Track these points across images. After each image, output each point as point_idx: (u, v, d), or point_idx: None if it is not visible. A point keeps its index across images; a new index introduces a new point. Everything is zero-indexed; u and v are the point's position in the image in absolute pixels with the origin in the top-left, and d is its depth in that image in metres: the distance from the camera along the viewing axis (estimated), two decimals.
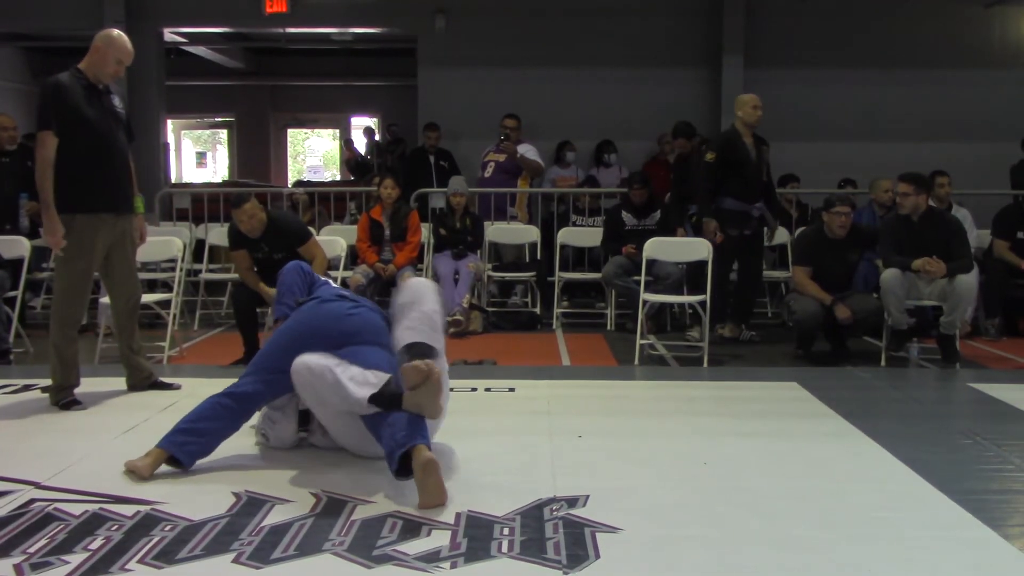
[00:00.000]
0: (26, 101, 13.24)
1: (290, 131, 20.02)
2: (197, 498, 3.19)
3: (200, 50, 14.31)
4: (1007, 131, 9.33)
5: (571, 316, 8.00)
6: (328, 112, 18.91)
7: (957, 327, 6.03)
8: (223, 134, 20.37)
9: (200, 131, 21.95)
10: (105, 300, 5.35)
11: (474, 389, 4.99)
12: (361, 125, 16.80)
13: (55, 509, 3.09)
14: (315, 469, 3.54)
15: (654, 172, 8.79)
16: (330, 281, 4.38)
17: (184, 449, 3.49)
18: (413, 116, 10.96)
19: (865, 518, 3.06)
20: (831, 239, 6.16)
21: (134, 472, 3.42)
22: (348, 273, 7.14)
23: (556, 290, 7.73)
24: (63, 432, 4.13)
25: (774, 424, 4.36)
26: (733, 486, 3.39)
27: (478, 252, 7.73)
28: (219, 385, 3.75)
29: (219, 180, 17.36)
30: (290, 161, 20.57)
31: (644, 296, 6.36)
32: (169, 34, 11.58)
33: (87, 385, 4.75)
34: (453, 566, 2.67)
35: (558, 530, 2.92)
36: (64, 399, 4.57)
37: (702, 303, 6.19)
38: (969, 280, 5.97)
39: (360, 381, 3.38)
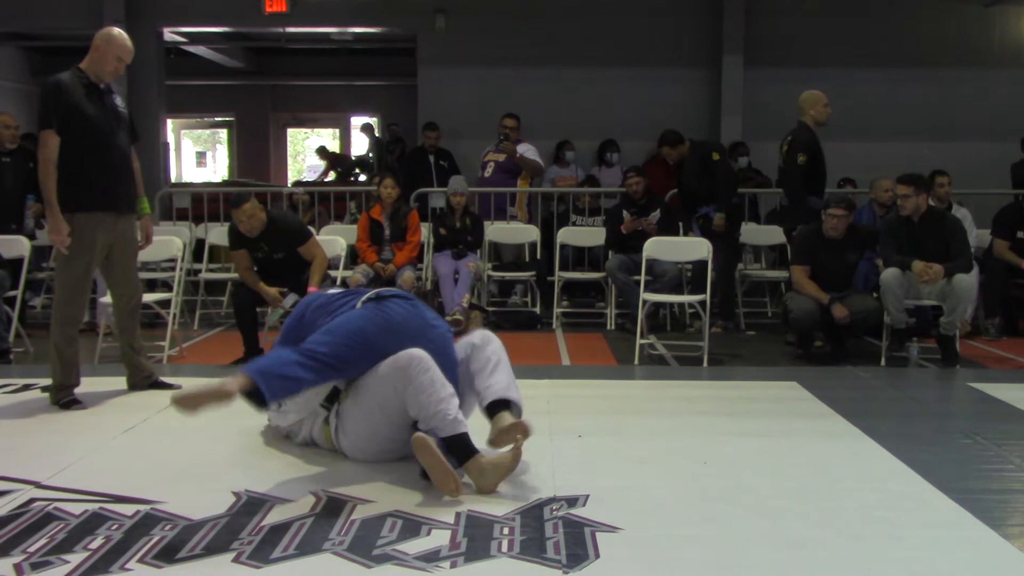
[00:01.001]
0: (26, 101, 13.24)
1: (290, 131, 20.02)
2: (197, 498, 3.19)
3: (200, 50, 14.30)
4: (1007, 131, 9.34)
5: (571, 316, 8.00)
6: (328, 112, 18.89)
7: (957, 328, 6.02)
8: (223, 134, 20.36)
9: (200, 131, 21.94)
10: (105, 300, 5.36)
11: None
12: (361, 125, 16.76)
13: (55, 508, 3.09)
14: (315, 469, 3.54)
15: (654, 172, 8.79)
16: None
17: (272, 386, 3.21)
18: (413, 116, 10.96)
19: (865, 518, 3.05)
20: (829, 238, 6.15)
21: (222, 391, 3.13)
22: (348, 273, 7.14)
23: (556, 290, 7.73)
24: (63, 432, 4.13)
25: (774, 424, 4.36)
26: (733, 486, 3.39)
27: (478, 252, 7.73)
28: None
29: (219, 180, 17.35)
30: (290, 161, 20.56)
31: (644, 296, 6.36)
32: (169, 34, 11.57)
33: (87, 385, 4.75)
34: (453, 566, 2.67)
35: (558, 530, 2.92)
36: (64, 399, 4.57)
37: (702, 303, 6.20)
38: (968, 280, 5.97)
39: (452, 416, 3.27)
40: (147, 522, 2.97)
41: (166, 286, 7.48)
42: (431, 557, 2.71)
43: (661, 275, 6.91)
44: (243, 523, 2.97)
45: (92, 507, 3.11)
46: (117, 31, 4.67)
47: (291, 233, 6.02)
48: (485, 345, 3.60)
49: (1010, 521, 3.13)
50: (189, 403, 3.17)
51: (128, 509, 3.08)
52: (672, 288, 6.97)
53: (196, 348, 6.69)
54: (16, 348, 6.14)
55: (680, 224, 7.57)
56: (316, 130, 22.01)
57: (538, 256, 8.08)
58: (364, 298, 3.61)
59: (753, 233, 8.20)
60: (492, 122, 8.92)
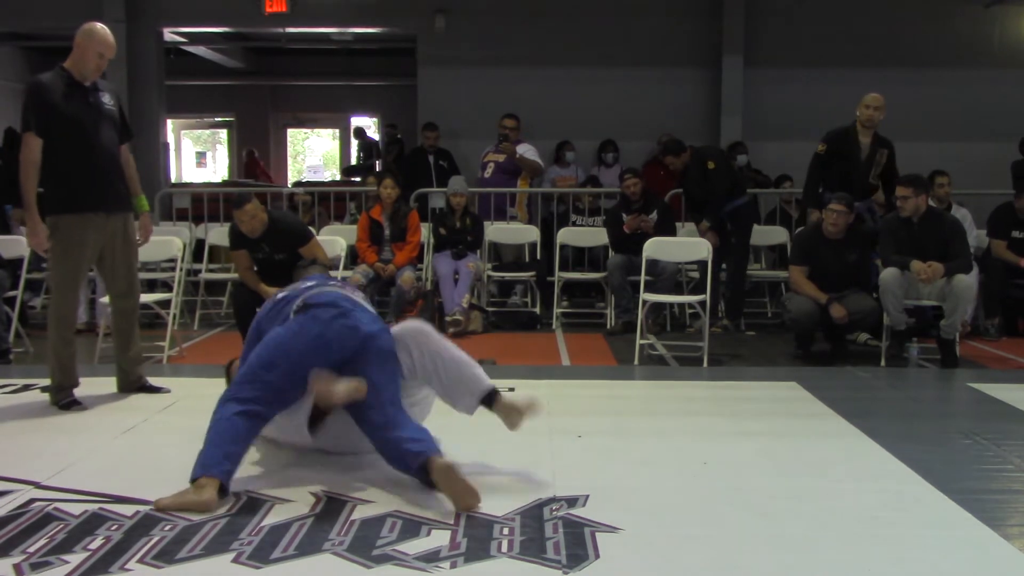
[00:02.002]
0: None
1: (290, 131, 20.02)
2: None
3: (200, 50, 14.31)
4: (1007, 131, 9.34)
5: (571, 316, 8.00)
6: (328, 112, 18.90)
7: (958, 330, 6.01)
8: (223, 134, 20.36)
9: (200, 131, 21.94)
10: (105, 300, 5.34)
11: None
12: (361, 124, 16.75)
13: (55, 509, 3.09)
14: (315, 469, 3.53)
15: (654, 172, 8.80)
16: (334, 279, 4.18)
17: (230, 477, 3.19)
18: (413, 116, 10.96)
19: (865, 518, 3.05)
20: (829, 238, 6.14)
21: (204, 508, 3.04)
22: (348, 273, 7.15)
23: (556, 290, 7.73)
24: (63, 432, 4.13)
25: (774, 424, 4.36)
26: (733, 486, 3.39)
27: (478, 252, 7.73)
28: (219, 385, 3.75)
29: (219, 180, 17.35)
30: (290, 161, 20.56)
31: (644, 296, 6.36)
32: (169, 34, 11.57)
33: (87, 385, 4.74)
34: (453, 566, 2.66)
35: (558, 530, 2.92)
36: (64, 399, 4.55)
37: (702, 303, 6.19)
38: (968, 280, 5.97)
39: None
40: (147, 522, 2.97)
41: (166, 286, 7.48)
42: (431, 557, 2.71)
43: (659, 273, 6.91)
44: (243, 523, 2.97)
45: (92, 507, 3.10)
46: (99, 26, 4.61)
47: (292, 234, 6.02)
48: (427, 338, 3.57)
49: (1010, 521, 3.13)
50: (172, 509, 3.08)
51: (128, 509, 3.08)
52: (670, 288, 6.95)
53: (196, 348, 6.69)
54: (16, 348, 6.14)
55: (681, 224, 7.56)
56: (316, 130, 22.02)
57: (538, 256, 8.07)
58: (293, 308, 3.49)
59: (753, 233, 8.17)
60: (492, 122, 8.92)
